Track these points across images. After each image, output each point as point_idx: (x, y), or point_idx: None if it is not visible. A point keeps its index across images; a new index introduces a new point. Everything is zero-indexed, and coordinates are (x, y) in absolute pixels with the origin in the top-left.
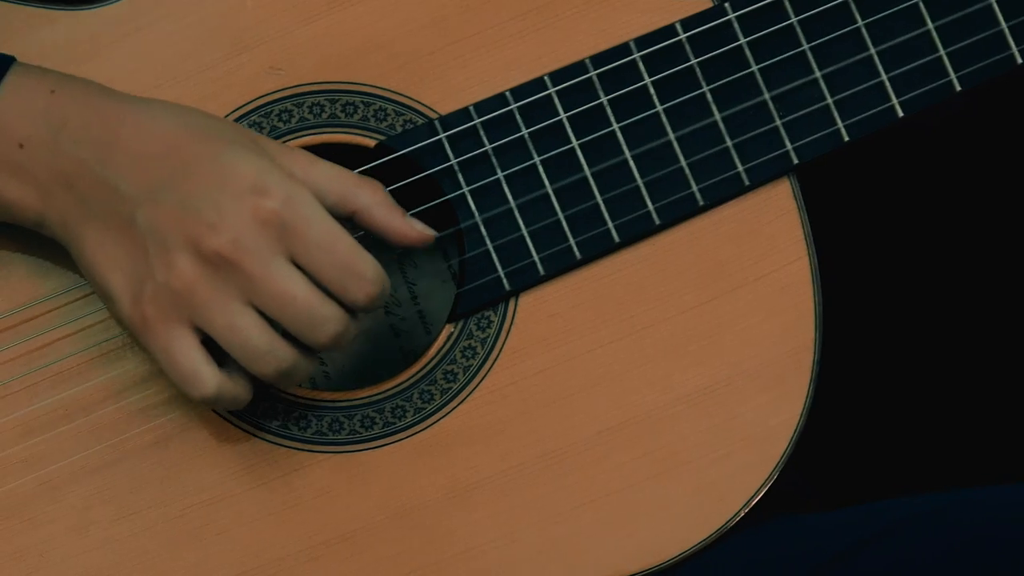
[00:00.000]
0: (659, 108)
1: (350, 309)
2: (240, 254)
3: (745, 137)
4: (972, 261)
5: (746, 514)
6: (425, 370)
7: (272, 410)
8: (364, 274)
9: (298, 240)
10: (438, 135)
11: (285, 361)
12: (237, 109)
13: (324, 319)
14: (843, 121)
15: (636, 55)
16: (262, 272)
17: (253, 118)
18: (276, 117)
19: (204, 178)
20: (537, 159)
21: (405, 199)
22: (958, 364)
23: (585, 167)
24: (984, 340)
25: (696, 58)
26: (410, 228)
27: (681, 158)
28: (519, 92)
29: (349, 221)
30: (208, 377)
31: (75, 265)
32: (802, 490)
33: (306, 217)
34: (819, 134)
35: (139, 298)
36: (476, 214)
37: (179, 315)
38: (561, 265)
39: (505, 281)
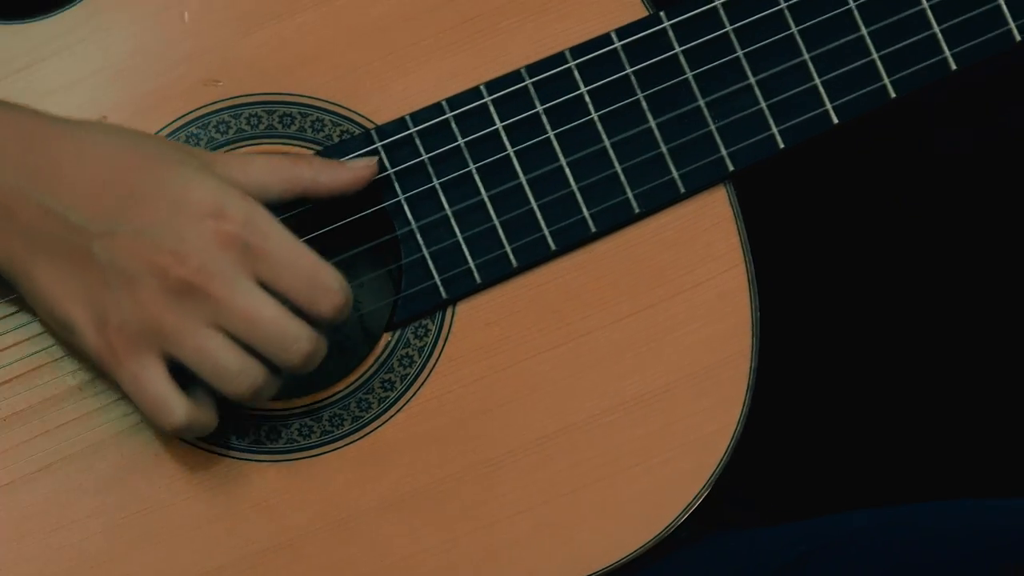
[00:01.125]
0: (594, 116)
1: (317, 324)
2: (207, 280)
3: (680, 144)
4: (910, 269)
5: (686, 526)
6: (363, 379)
7: None
8: (329, 285)
9: (262, 259)
10: (374, 144)
11: (258, 379)
12: (175, 120)
13: (295, 337)
14: (778, 127)
15: (571, 63)
16: (229, 295)
17: (191, 129)
18: (214, 128)
19: (159, 204)
20: (473, 167)
21: (342, 208)
22: (896, 374)
23: (521, 174)
24: (923, 350)
25: (631, 66)
26: (357, 169)
27: (617, 165)
28: (455, 101)
29: (302, 201)
30: (178, 407)
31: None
32: (741, 504)
33: (267, 235)
34: (754, 140)
35: (104, 330)
36: (412, 222)
37: (148, 344)
38: (497, 273)
39: (442, 289)
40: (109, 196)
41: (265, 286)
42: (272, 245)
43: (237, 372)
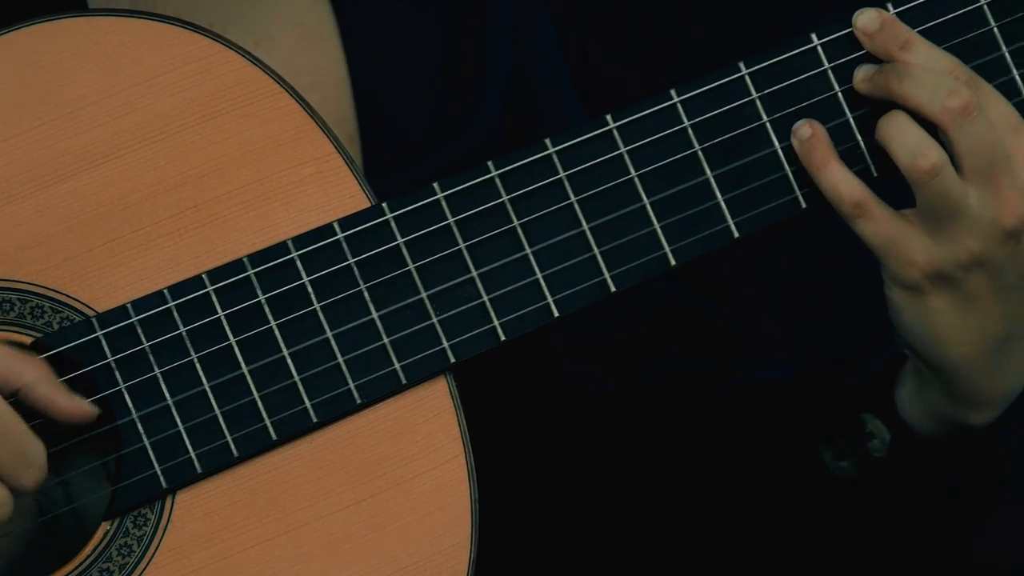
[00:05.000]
0: (316, 306)
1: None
2: None
3: (402, 335)
4: (639, 461)
5: None
6: (81, 569)
7: None
8: (34, 461)
9: None
10: (95, 332)
11: None
12: None
13: None
14: (499, 319)
15: (294, 254)
16: None
17: None
18: None
19: None
20: (194, 356)
21: None
22: (618, 558)
23: (243, 364)
24: (647, 550)
25: (354, 257)
26: (75, 405)
27: (339, 356)
28: (177, 290)
29: (12, 399)
30: None
31: None
32: None
33: None
34: (476, 332)
35: None
36: (133, 411)
37: None
38: (218, 462)
39: (162, 478)
40: None
41: None
42: None
43: None
